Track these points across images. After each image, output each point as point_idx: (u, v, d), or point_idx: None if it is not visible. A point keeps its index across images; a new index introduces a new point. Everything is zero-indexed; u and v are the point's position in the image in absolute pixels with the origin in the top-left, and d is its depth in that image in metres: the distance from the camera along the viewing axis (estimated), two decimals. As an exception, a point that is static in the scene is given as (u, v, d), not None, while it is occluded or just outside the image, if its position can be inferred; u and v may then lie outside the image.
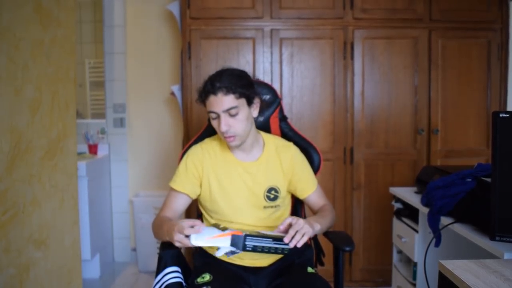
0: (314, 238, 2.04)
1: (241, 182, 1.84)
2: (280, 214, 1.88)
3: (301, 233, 1.52)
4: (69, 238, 2.37)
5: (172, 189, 1.87)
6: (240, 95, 1.72)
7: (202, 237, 1.54)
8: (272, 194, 1.84)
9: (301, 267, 1.78)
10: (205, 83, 1.74)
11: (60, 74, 2.25)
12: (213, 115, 1.73)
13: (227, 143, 1.78)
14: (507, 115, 1.44)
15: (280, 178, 1.86)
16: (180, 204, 1.85)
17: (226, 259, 1.82)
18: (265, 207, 1.83)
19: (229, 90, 1.69)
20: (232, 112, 1.70)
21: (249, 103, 1.76)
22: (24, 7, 1.93)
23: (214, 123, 1.75)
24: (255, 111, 1.80)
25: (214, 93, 1.69)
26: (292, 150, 1.91)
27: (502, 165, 1.46)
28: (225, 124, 1.70)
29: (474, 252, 1.80)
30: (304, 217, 2.13)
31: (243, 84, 1.73)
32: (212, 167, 1.86)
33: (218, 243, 1.54)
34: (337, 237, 1.86)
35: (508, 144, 1.45)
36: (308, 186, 1.90)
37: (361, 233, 3.12)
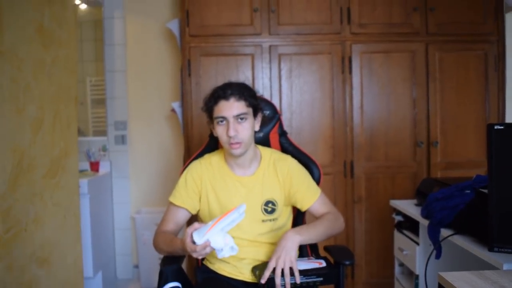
0: (316, 253, 2.04)
1: (238, 197, 1.84)
2: (278, 227, 1.87)
3: (287, 266, 1.62)
4: (71, 256, 2.38)
5: (171, 204, 1.88)
6: (250, 104, 1.78)
7: (202, 232, 1.51)
8: (269, 207, 1.84)
9: (302, 282, 1.78)
10: (214, 92, 1.79)
11: (61, 93, 2.28)
12: (220, 121, 1.76)
13: (231, 151, 1.77)
14: (502, 127, 1.46)
15: (277, 190, 1.86)
16: (180, 218, 1.86)
17: (227, 274, 1.82)
18: (263, 220, 1.83)
19: (241, 97, 1.75)
20: (241, 118, 1.75)
21: (255, 114, 1.82)
22: (26, 28, 1.97)
23: (220, 130, 1.76)
24: (257, 125, 1.85)
25: (226, 98, 1.74)
26: (288, 162, 1.91)
27: (498, 176, 1.48)
28: (234, 129, 1.73)
29: (474, 263, 1.80)
30: None
31: (252, 95, 1.81)
32: (211, 182, 1.87)
33: (219, 228, 1.50)
34: (337, 251, 1.86)
35: (504, 155, 1.46)
36: (308, 197, 1.88)
37: (362, 246, 3.12)
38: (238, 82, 1.85)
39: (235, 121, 1.74)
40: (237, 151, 1.76)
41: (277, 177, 1.87)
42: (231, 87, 1.78)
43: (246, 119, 1.76)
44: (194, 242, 1.53)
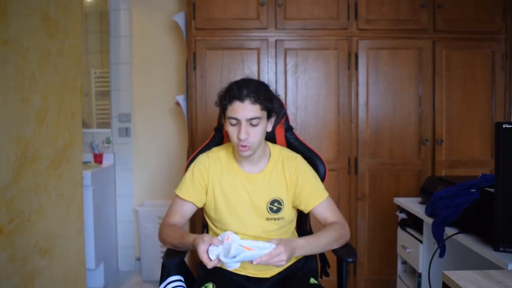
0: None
1: (244, 193, 1.83)
2: (284, 225, 1.86)
3: (273, 262, 1.49)
4: (74, 247, 2.38)
5: (177, 197, 1.86)
6: (264, 108, 1.72)
7: (225, 252, 1.47)
8: (275, 206, 1.81)
9: (304, 278, 1.77)
10: (230, 88, 1.73)
11: (66, 83, 2.27)
12: (233, 121, 1.72)
13: (239, 152, 1.75)
14: (510, 126, 1.44)
15: (284, 190, 1.84)
16: (186, 212, 1.85)
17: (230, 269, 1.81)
18: (268, 219, 1.82)
19: (256, 100, 1.69)
20: (254, 122, 1.70)
21: (268, 117, 1.77)
22: (32, 17, 1.96)
23: (232, 130, 1.73)
24: (269, 125, 1.80)
25: (241, 99, 1.68)
26: (296, 161, 1.88)
27: (505, 175, 1.47)
28: (245, 132, 1.69)
29: (478, 262, 1.79)
30: (310, 230, 2.11)
31: (269, 97, 1.75)
32: (217, 176, 1.85)
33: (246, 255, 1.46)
34: (340, 248, 1.85)
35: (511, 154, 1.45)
36: (313, 198, 1.83)
37: (365, 244, 3.11)
38: (256, 81, 1.78)
39: (248, 124, 1.70)
40: (245, 153, 1.74)
41: (284, 176, 1.85)
42: (248, 86, 1.71)
43: (259, 123, 1.72)
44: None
